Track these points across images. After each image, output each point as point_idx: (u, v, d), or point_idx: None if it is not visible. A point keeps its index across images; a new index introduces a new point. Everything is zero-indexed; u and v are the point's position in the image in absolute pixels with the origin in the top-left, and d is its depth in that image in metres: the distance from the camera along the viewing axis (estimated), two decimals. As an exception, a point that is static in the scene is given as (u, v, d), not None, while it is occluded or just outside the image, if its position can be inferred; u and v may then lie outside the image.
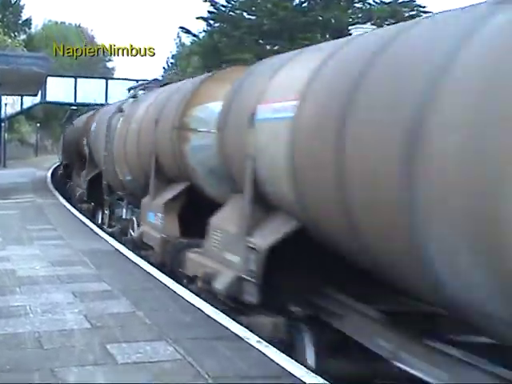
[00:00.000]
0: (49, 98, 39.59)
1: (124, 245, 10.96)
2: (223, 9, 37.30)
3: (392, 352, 4.93)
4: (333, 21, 34.93)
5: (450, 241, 3.64)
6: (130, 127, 12.26)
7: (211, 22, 38.16)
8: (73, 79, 40.26)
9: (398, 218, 4.11)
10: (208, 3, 36.99)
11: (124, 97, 18.88)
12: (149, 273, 8.45)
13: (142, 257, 9.69)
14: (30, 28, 64.51)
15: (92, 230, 12.98)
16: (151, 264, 9.04)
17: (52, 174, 30.71)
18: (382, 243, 4.50)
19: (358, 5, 37.27)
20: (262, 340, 5.47)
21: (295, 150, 5.54)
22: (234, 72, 8.78)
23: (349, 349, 5.67)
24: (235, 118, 7.14)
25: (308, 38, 30.11)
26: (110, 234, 12.59)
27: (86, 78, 39.09)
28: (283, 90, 6.14)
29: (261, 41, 35.60)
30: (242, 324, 5.97)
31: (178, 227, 9.42)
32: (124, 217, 13.42)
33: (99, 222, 15.77)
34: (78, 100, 38.78)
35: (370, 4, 36.77)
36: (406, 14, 33.79)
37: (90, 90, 38.48)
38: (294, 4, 36.28)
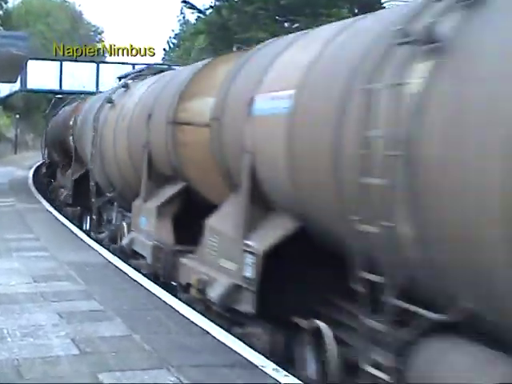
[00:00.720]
0: (30, 86, 39.20)
1: (116, 255, 11.25)
2: (233, -20, 37.51)
3: None
4: (362, -7, 35.11)
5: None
6: (120, 121, 12.68)
7: (219, -5, 38.43)
8: (58, 63, 39.10)
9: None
10: (215, -27, 37.26)
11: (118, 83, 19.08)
12: (147, 289, 8.53)
13: (135, 268, 9.98)
14: (6, 2, 64.90)
15: (80, 238, 13.19)
16: (148, 277, 9.26)
17: (34, 174, 31.03)
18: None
19: (391, -25, 37.43)
20: (279, 368, 5.63)
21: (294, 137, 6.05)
22: (234, 58, 8.98)
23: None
24: (231, 109, 7.64)
25: (333, 14, 30.27)
26: (99, 242, 12.97)
27: (74, 61, 39.00)
28: (281, 78, 6.67)
29: (278, 17, 35.80)
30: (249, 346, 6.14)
31: (172, 233, 9.69)
32: (114, 221, 13.75)
33: (87, 227, 16.16)
34: (64, 87, 38.26)
35: (405, -26, 36.88)
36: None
37: (78, 76, 38.00)
38: (318, -26, 36.44)
